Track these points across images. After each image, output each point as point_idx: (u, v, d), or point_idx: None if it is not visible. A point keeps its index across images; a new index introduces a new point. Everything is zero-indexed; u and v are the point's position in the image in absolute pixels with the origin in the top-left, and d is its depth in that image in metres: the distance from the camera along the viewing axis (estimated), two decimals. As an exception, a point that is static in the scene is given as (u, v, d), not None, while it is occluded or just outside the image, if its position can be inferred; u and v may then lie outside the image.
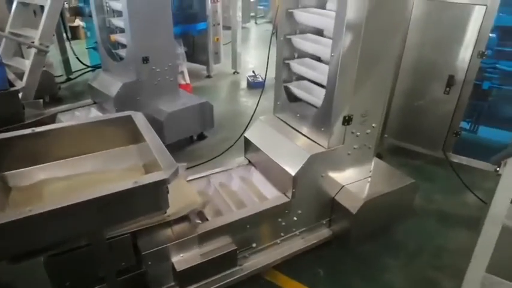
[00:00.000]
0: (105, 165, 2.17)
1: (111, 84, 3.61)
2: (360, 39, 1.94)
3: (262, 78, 5.57)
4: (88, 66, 6.06)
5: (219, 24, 5.93)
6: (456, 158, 3.46)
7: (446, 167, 3.37)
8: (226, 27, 6.34)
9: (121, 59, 3.76)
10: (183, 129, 3.75)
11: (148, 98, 3.63)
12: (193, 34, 5.82)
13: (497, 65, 3.22)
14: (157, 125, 3.45)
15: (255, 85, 5.60)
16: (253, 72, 5.86)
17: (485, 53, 2.99)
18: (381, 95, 2.27)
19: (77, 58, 5.93)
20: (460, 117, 3.32)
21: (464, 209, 3.03)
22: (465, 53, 3.04)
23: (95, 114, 3.78)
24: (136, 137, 2.16)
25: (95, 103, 3.95)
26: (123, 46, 3.69)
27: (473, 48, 3.00)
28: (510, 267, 2.57)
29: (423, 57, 3.21)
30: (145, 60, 3.48)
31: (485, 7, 2.84)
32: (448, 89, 3.16)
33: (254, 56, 7.61)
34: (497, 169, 1.70)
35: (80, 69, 5.98)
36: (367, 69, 2.08)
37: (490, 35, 3.02)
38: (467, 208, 3.04)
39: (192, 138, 3.97)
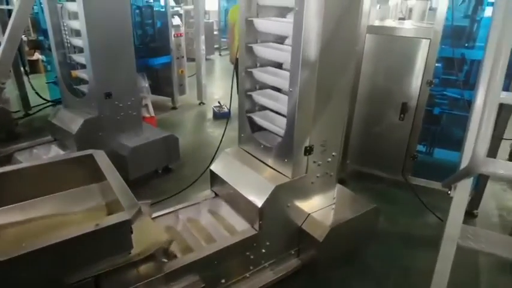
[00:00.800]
0: (66, 207, 2.10)
1: (72, 120, 3.53)
2: (315, 73, 2.05)
3: (227, 108, 5.64)
4: (48, 101, 5.90)
5: (183, 57, 6.03)
6: (416, 181, 3.63)
7: (407, 189, 3.52)
8: (191, 59, 6.44)
9: (83, 94, 3.70)
10: (147, 164, 3.70)
11: (111, 133, 3.57)
12: (157, 67, 5.86)
13: (444, 92, 3.47)
14: (120, 161, 3.40)
15: (221, 115, 5.66)
16: (219, 102, 5.93)
17: (433, 81, 3.22)
18: (338, 125, 2.38)
19: (36, 93, 5.77)
20: (415, 142, 3.51)
21: (426, 229, 3.15)
22: (415, 82, 3.27)
23: (55, 151, 3.66)
24: (98, 175, 2.11)
25: (55, 140, 3.82)
26: (85, 82, 3.65)
27: (422, 77, 3.23)
28: (468, 283, 2.68)
29: (377, 86, 3.41)
30: (108, 95, 3.45)
31: (429, 40, 3.09)
32: (402, 115, 3.36)
33: (219, 87, 7.73)
34: (449, 192, 1.80)
35: (39, 104, 5.81)
36: (324, 101, 2.18)
37: (436, 64, 3.28)
38: (429, 228, 3.17)
39: (157, 172, 3.91)
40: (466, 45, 3.38)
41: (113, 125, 3.57)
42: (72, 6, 3.46)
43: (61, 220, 2.00)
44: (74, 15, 3.57)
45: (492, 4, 3.04)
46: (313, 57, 1.99)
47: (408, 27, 3.31)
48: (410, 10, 7.65)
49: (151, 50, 5.59)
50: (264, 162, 2.42)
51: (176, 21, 5.81)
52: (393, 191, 3.67)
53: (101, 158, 2.16)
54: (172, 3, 7.51)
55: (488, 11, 3.34)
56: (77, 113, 3.59)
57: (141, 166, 3.63)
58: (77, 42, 3.58)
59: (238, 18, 2.44)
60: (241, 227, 2.34)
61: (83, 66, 3.58)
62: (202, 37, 6.06)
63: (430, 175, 3.60)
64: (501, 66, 1.55)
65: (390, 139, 3.53)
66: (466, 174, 1.40)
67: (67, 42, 3.81)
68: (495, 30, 1.77)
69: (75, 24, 3.46)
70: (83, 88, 3.69)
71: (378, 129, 3.55)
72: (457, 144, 3.80)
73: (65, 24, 3.73)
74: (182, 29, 6.00)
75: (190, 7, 8.30)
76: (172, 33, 5.67)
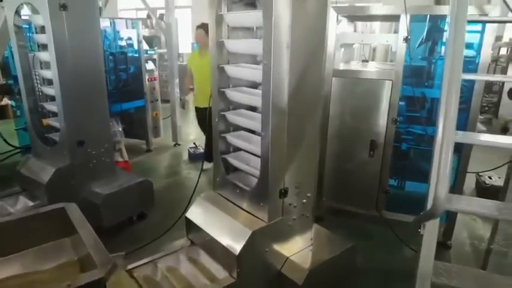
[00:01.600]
0: (36, 264, 2.01)
1: (43, 170, 3.44)
2: (286, 117, 2.14)
3: (203, 149, 5.67)
4: (16, 148, 5.72)
5: (157, 100, 6.09)
6: (390, 215, 3.71)
7: (382, 224, 3.59)
8: (166, 101, 6.50)
9: (54, 143, 3.64)
10: (121, 211, 3.61)
11: (83, 182, 3.49)
12: (131, 111, 5.87)
13: (409, 129, 3.65)
14: (94, 209, 3.31)
15: (197, 156, 5.66)
16: (194, 143, 5.95)
17: (398, 119, 3.40)
18: (311, 166, 2.45)
19: (4, 140, 5.60)
20: (386, 177, 3.63)
21: (403, 263, 3.19)
22: (382, 120, 3.44)
23: (23, 203, 3.52)
24: (70, 229, 2.05)
25: (23, 190, 3.69)
26: (56, 129, 3.60)
27: (388, 116, 3.40)
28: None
29: (346, 125, 3.56)
30: (81, 143, 3.41)
31: (391, 81, 3.30)
32: (372, 152, 3.49)
33: (195, 127, 7.77)
34: (419, 230, 1.87)
35: (7, 152, 5.62)
36: (296, 144, 2.26)
37: (400, 103, 3.48)
38: (406, 261, 3.21)
39: (132, 219, 3.81)
40: (426, 84, 3.61)
41: (85, 173, 3.50)
42: (44, 56, 3.49)
43: (32, 279, 1.91)
44: (46, 65, 3.59)
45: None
46: (282, 103, 2.09)
47: (371, 69, 3.53)
48: (374, 50, 8.15)
49: (125, 95, 5.62)
50: (240, 207, 2.43)
51: (150, 65, 5.93)
52: (369, 226, 3.73)
53: (73, 211, 2.11)
54: (146, 46, 7.68)
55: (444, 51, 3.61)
56: (48, 162, 3.51)
57: (115, 214, 3.54)
58: (49, 91, 3.57)
59: (210, 64, 2.53)
60: (222, 275, 2.30)
61: (55, 114, 3.55)
62: (177, 80, 6.18)
63: (403, 208, 3.69)
64: (453, 109, 1.69)
65: (362, 175, 3.64)
66: (431, 216, 1.47)
67: (38, 91, 3.79)
68: (447, 70, 1.93)
69: (47, 73, 3.46)
70: (54, 136, 3.63)
71: (350, 166, 3.66)
72: (426, 176, 3.98)
73: (36, 73, 3.73)
74: (156, 73, 6.11)
75: (163, 50, 8.51)
76: (146, 77, 5.76)
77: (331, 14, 3.27)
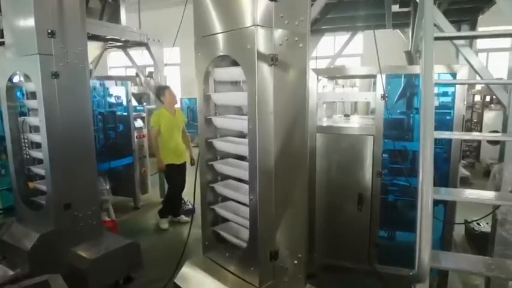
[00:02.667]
0: None
1: (26, 235, 3.35)
2: (273, 180, 2.18)
3: (191, 204, 5.61)
4: (-1, 210, 5.57)
5: (145, 157, 6.12)
6: (382, 268, 3.66)
7: (375, 277, 3.52)
8: (154, 156, 6.52)
9: (40, 207, 3.57)
10: (108, 275, 3.48)
11: (69, 246, 3.39)
12: (119, 169, 5.86)
13: (394, 181, 3.73)
14: (79, 274, 3.20)
15: (185, 212, 5.59)
16: (182, 199, 5.89)
17: (382, 172, 3.48)
18: (300, 226, 2.45)
19: (-14, 202, 5.46)
20: (376, 230, 3.63)
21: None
22: (367, 173, 3.51)
23: (2, 272, 3.36)
24: (52, 304, 1.97)
25: (4, 258, 3.55)
26: (43, 193, 3.56)
27: (372, 169, 3.48)
28: None
29: (333, 179, 3.62)
30: (67, 206, 3.37)
31: (372, 136, 3.43)
32: (360, 206, 3.52)
33: (183, 181, 7.74)
34: (412, 286, 1.85)
35: (-11, 214, 5.45)
36: (284, 205, 2.28)
37: (384, 155, 3.58)
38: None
39: (118, 283, 3.66)
40: (406, 137, 3.75)
41: (71, 237, 3.42)
42: (34, 121, 3.54)
43: None
44: (35, 129, 3.64)
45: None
46: (269, 166, 2.14)
47: (353, 125, 3.67)
48: (355, 102, 8.47)
49: (114, 153, 5.64)
50: (229, 271, 2.38)
51: (139, 123, 6.03)
52: (362, 281, 3.65)
53: (57, 284, 2.04)
54: (134, 103, 7.86)
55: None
56: (32, 227, 3.43)
57: (102, 278, 3.40)
58: (37, 154, 3.58)
59: (198, 116, 2.59)
60: None
61: (42, 177, 3.53)
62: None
63: (395, 260, 3.65)
64: (429, 169, 1.77)
65: (352, 229, 3.63)
66: (418, 281, 1.49)
67: (26, 154, 3.80)
68: (422, 130, 2.05)
69: (36, 137, 3.50)
70: (40, 200, 3.58)
71: (339, 221, 3.66)
72: (413, 226, 3.99)
73: (25, 136, 3.76)
74: (144, 130, 6.20)
75: (152, 106, 8.69)
76: (135, 135, 5.84)
77: (312, 75, 3.47)
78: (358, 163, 3.53)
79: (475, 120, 9.96)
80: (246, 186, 2.30)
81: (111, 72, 14.92)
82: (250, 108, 2.07)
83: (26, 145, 3.79)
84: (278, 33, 2.07)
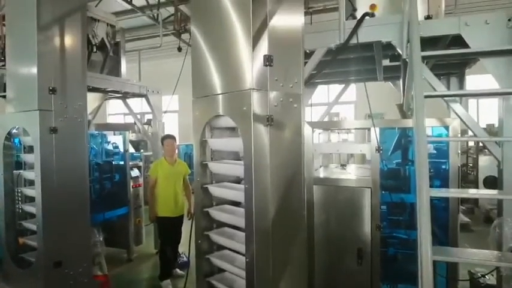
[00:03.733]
0: None
1: (12, 296, 3.21)
2: (270, 237, 2.14)
3: (186, 257, 5.44)
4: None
5: (140, 206, 6.02)
6: (386, 326, 3.50)
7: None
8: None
9: (28, 264, 3.45)
10: None
11: (56, 307, 3.24)
12: (113, 220, 5.74)
13: (394, 233, 3.67)
14: None
15: (179, 265, 5.40)
16: (178, 252, 5.72)
17: (381, 225, 3.43)
18: (300, 284, 2.37)
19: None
20: (378, 283, 3.51)
21: None
22: (366, 227, 3.46)
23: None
24: None
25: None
26: (33, 249, 3.46)
27: (371, 222, 3.43)
28: None
29: (332, 233, 3.55)
30: (58, 264, 3.25)
31: (370, 189, 3.42)
32: (359, 260, 3.43)
33: (178, 230, 7.56)
34: None
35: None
36: (283, 264, 2.22)
37: (382, 207, 3.55)
38: None
39: None
40: (403, 188, 3.75)
41: (59, 297, 3.27)
42: (29, 175, 3.53)
43: None
44: (30, 182, 3.61)
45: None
46: (266, 224, 2.11)
47: (350, 177, 3.68)
48: (352, 156, 8.54)
49: (109, 203, 5.56)
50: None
51: (135, 172, 6.00)
52: None
53: None
54: (132, 150, 7.88)
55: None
56: (19, 286, 3.28)
57: None
58: (30, 209, 3.52)
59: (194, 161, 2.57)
60: None
61: (33, 233, 3.44)
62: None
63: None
64: (427, 229, 1.75)
65: (353, 284, 3.50)
66: None
67: (18, 208, 3.74)
68: (418, 190, 2.04)
69: (31, 192, 3.46)
70: (30, 257, 3.47)
71: (340, 277, 3.55)
72: (415, 278, 3.86)
73: (19, 190, 3.72)
74: (140, 180, 6.16)
75: (149, 153, 8.71)
76: (131, 184, 5.79)
77: (307, 128, 3.53)
78: (357, 216, 3.48)
79: (471, 165, 10.01)
80: (242, 234, 2.26)
81: (110, 119, 15.11)
82: (247, 168, 2.08)
83: (19, 199, 3.74)
84: (273, 95, 2.13)
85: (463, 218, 7.95)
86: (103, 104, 7.09)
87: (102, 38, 5.63)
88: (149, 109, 6.34)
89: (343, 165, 4.59)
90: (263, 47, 2.11)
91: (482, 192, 2.73)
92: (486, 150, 9.52)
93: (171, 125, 13.23)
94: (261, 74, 2.10)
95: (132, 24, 12.14)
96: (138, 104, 12.63)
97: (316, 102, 10.61)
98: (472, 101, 11.32)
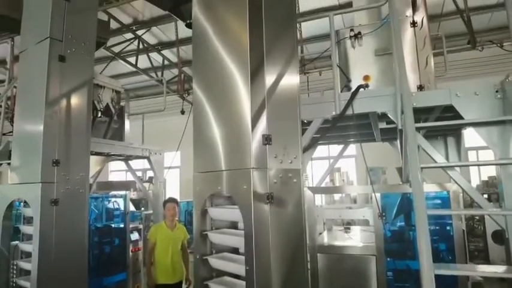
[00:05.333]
0: None
1: None
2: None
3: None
4: None
5: (139, 271, 5.83)
6: None
7: None
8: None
9: None
10: None
11: None
12: (111, 285, 5.53)
13: (402, 303, 3.51)
14: None
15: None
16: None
17: (389, 295, 3.30)
18: None
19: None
20: None
21: None
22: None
23: None
24: None
25: None
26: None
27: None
28: None
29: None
30: None
31: (375, 257, 3.33)
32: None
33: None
34: None
35: None
36: None
37: (388, 273, 3.42)
38: None
39: None
40: (409, 254, 3.65)
41: None
42: (27, 247, 3.46)
43: None
44: (27, 254, 3.54)
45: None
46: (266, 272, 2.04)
47: (355, 244, 3.60)
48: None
49: (107, 269, 5.39)
50: None
51: (135, 236, 5.89)
52: None
53: None
54: (132, 208, 7.80)
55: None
56: None
57: None
58: (25, 283, 3.41)
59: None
60: None
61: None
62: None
63: None
64: None
65: None
66: None
67: (12, 282, 3.62)
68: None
69: (27, 265, 3.38)
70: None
71: None
72: None
73: (15, 263, 3.64)
74: (140, 243, 6.02)
75: (150, 212, 8.62)
76: (130, 248, 5.65)
77: (308, 194, 3.53)
78: (362, 285, 3.36)
79: (477, 218, 9.81)
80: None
81: (111, 177, 15.13)
82: (247, 249, 2.06)
83: (14, 273, 3.64)
84: (273, 172, 2.17)
85: (474, 276, 7.63)
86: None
87: (107, 103, 5.83)
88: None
89: (346, 228, 4.51)
90: (262, 127, 2.18)
91: (490, 270, 2.64)
92: (491, 203, 9.40)
93: (172, 181, 13.21)
94: (260, 152, 2.15)
95: (136, 84, 12.66)
96: (140, 161, 12.72)
97: (316, 156, 10.70)
98: (471, 153, 11.38)
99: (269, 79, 2.31)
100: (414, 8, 3.55)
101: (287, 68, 2.51)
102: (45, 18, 3.48)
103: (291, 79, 2.50)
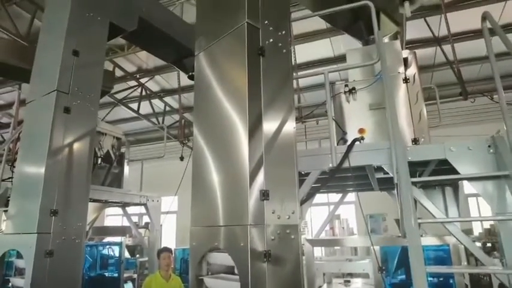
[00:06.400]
0: None
1: None
2: None
3: None
4: None
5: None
6: None
7: None
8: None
9: None
10: None
11: None
12: None
13: None
14: None
15: None
16: None
17: None
18: None
19: None
20: None
21: None
22: None
23: None
24: None
25: None
26: None
27: None
28: None
29: None
30: None
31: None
32: None
33: None
34: None
35: None
36: None
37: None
38: None
39: None
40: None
41: None
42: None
43: None
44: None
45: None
46: None
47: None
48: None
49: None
50: None
51: (129, 286, 5.71)
52: None
53: None
54: (127, 254, 7.61)
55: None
56: None
57: None
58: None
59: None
60: None
61: None
62: None
63: None
64: None
65: None
66: None
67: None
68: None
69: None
70: None
71: None
72: None
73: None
74: (134, 294, 5.83)
75: (145, 259, 8.40)
76: (123, 300, 5.47)
77: (307, 246, 3.49)
78: None
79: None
80: None
81: (107, 221, 14.87)
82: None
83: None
84: (270, 229, 2.17)
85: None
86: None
87: (108, 150, 5.91)
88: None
89: (346, 281, 4.39)
90: (259, 182, 2.22)
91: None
92: (495, 252, 9.18)
93: (169, 227, 12.98)
94: (258, 208, 2.17)
95: (137, 128, 12.85)
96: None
97: (315, 202, 10.62)
98: (471, 200, 11.32)
99: (267, 133, 2.38)
100: (406, 65, 3.73)
101: (285, 122, 2.59)
102: (54, 72, 3.63)
103: (289, 132, 2.57)
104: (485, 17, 2.95)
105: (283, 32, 2.66)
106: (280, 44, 2.63)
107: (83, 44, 3.82)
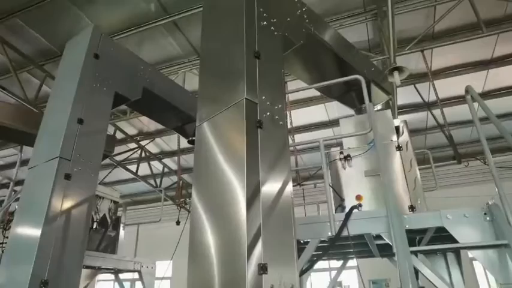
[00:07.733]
0: None
1: None
2: None
3: None
4: None
5: None
6: None
7: None
8: None
9: None
10: None
11: None
12: None
13: None
14: None
15: None
16: None
17: None
18: None
19: None
20: None
21: None
22: None
23: None
24: None
25: None
26: None
27: None
28: None
29: None
30: None
31: None
32: None
33: None
34: None
35: None
36: None
37: None
38: None
39: None
40: None
41: None
42: None
43: None
44: None
45: None
46: None
47: None
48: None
49: None
50: None
51: None
52: None
53: None
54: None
55: None
56: None
57: None
58: None
59: None
60: None
61: None
62: None
63: None
64: None
65: None
66: None
67: None
68: None
69: None
70: None
71: None
72: None
73: None
74: None
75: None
76: None
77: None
78: None
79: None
80: None
81: (98, 287, 14.15)
82: None
83: None
84: (268, 304, 2.10)
85: None
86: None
87: (104, 214, 5.85)
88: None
89: None
90: (257, 255, 2.20)
91: None
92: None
93: (162, 294, 12.30)
94: (256, 283, 2.12)
95: (135, 189, 12.80)
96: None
97: (316, 268, 10.26)
98: (476, 262, 10.99)
99: (265, 202, 2.40)
100: (398, 133, 3.88)
101: (282, 190, 2.63)
102: (58, 138, 3.74)
103: (286, 201, 2.59)
104: (467, 90, 3.16)
105: (279, 106, 2.82)
106: (276, 117, 2.77)
107: (88, 112, 3.98)
